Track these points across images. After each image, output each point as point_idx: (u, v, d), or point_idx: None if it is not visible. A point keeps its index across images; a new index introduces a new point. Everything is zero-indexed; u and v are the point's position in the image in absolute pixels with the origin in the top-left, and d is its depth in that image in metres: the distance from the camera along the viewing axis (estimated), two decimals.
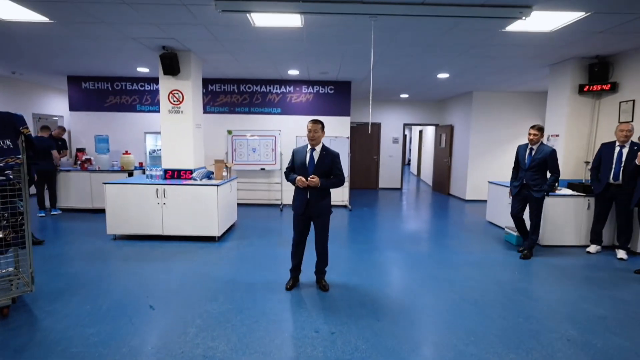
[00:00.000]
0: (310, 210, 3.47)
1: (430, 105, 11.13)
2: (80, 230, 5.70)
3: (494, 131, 9.04)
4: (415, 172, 15.43)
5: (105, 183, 5.15)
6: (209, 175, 5.63)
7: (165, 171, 5.68)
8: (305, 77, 7.59)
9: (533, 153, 4.51)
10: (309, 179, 3.37)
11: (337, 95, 7.95)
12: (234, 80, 7.84)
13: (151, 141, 7.77)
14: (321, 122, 3.42)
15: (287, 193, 8.09)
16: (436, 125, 11.18)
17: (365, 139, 10.98)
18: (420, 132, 14.91)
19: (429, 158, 12.70)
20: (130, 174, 7.15)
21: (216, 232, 5.20)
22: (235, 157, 7.77)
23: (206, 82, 7.75)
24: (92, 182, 6.95)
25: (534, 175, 4.49)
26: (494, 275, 4.10)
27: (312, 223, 3.59)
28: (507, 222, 5.77)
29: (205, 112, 7.83)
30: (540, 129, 4.45)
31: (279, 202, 8.10)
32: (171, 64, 5.30)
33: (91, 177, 6.98)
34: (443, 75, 6.98)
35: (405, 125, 11.22)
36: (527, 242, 4.74)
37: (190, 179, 5.56)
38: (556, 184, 4.98)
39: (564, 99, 5.76)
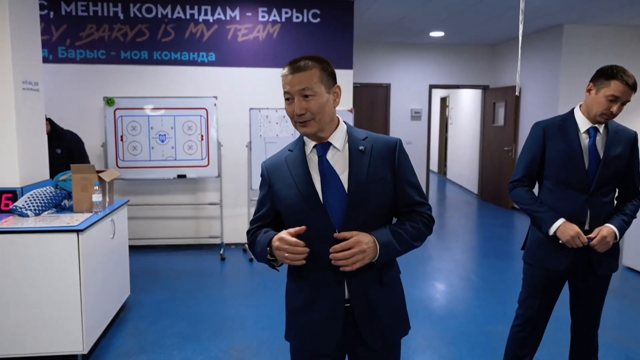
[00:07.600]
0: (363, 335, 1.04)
1: (476, 53, 7.05)
2: None
3: None
4: (436, 169, 10.53)
5: None
6: (59, 202, 2.22)
7: None
8: None
9: (602, 143, 1.60)
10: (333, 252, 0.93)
11: (326, 29, 4.07)
12: None
13: None
14: (320, 62, 1.01)
15: (231, 222, 4.26)
16: (484, 88, 7.16)
17: (368, 112, 7.04)
18: (444, 99, 10.53)
19: (465, 144, 8.39)
20: None
21: (80, 346, 2.14)
22: (122, 153, 3.88)
23: None
24: None
25: (607, 203, 1.62)
26: None
27: None
28: None
29: (54, 59, 3.89)
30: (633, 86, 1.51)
31: (217, 241, 4.23)
32: None
33: None
34: None
35: (431, 87, 7.20)
36: None
37: (10, 212, 2.24)
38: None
39: None
